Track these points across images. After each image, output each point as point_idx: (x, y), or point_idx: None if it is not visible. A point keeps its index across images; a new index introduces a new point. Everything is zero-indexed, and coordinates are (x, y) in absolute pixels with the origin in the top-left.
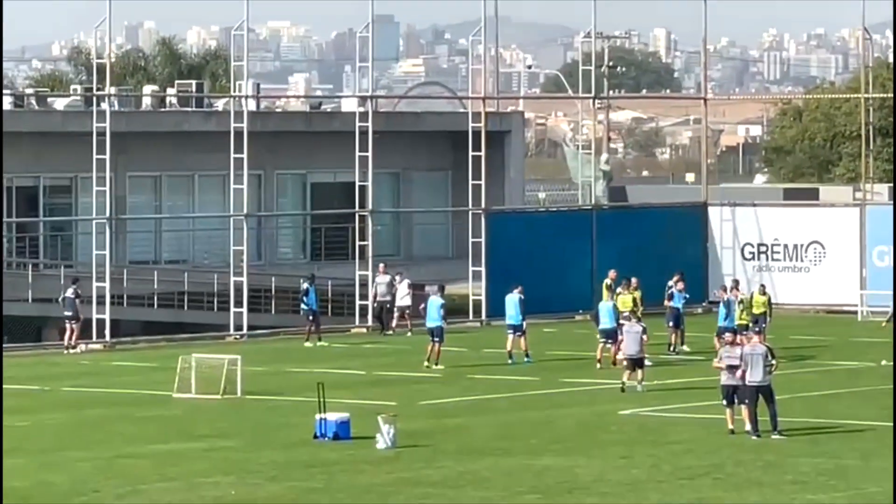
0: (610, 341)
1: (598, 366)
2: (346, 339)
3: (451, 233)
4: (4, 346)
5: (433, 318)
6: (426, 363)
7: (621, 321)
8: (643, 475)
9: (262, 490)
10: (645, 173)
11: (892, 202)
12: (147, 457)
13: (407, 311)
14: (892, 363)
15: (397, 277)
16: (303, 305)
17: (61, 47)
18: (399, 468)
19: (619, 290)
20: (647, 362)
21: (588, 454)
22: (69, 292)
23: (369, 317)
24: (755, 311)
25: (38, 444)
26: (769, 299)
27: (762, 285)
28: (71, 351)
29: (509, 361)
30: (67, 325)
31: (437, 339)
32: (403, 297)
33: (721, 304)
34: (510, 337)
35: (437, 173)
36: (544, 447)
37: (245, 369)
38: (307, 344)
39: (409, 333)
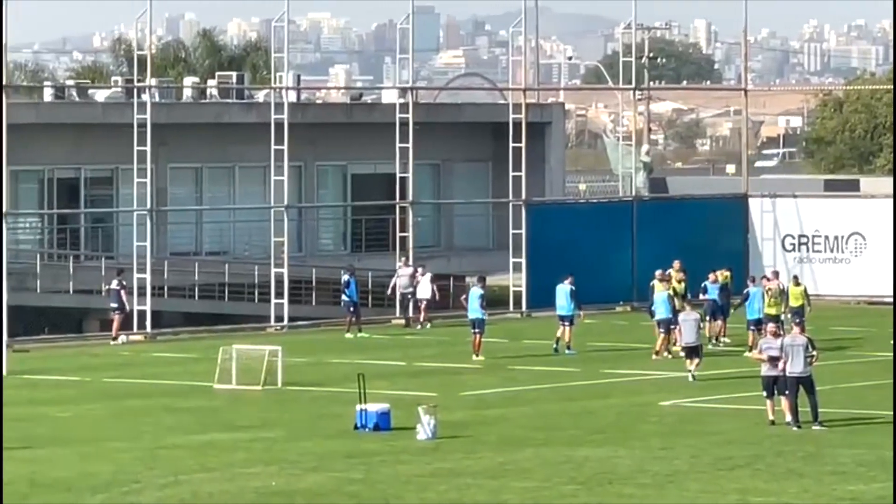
0: (663, 330)
1: (655, 357)
2: (386, 330)
3: (492, 224)
4: (46, 336)
5: (474, 309)
6: (474, 356)
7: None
8: (683, 466)
9: (303, 480)
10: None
11: None
12: (188, 447)
13: (423, 303)
14: None
15: (419, 270)
16: (343, 297)
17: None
18: (439, 459)
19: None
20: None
21: (628, 445)
22: (114, 283)
23: (398, 309)
24: (792, 303)
25: (79, 434)
26: (805, 289)
27: (794, 276)
28: (114, 342)
29: (554, 346)
30: (114, 316)
31: (477, 330)
32: (424, 290)
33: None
34: (560, 327)
35: (478, 164)
36: (584, 438)
37: (286, 360)
38: (348, 335)
39: (429, 325)
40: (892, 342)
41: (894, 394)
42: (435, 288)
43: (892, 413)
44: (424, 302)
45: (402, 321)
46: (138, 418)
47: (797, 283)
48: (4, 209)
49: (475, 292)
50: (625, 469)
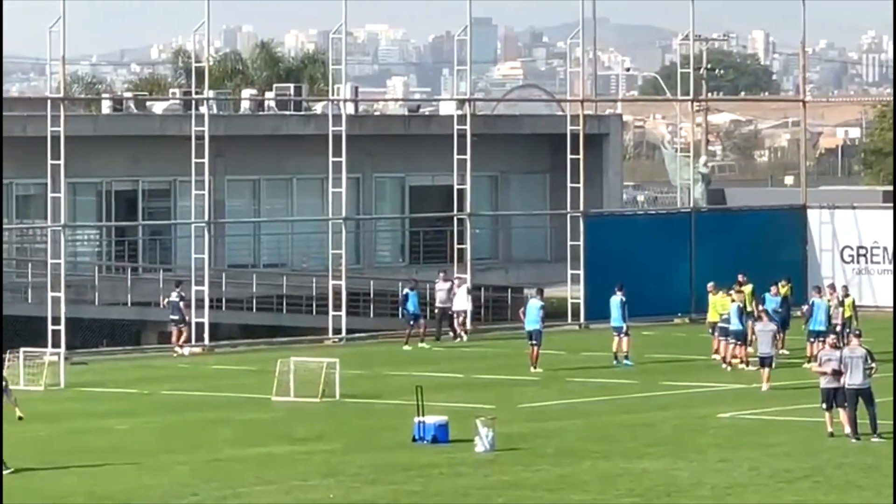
0: (739, 342)
1: (726, 366)
2: (443, 342)
3: (550, 236)
4: (104, 349)
5: (532, 320)
6: (532, 368)
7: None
8: (742, 478)
9: (361, 493)
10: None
11: None
12: (246, 460)
13: (460, 316)
14: None
15: (456, 281)
16: (403, 309)
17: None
18: (497, 471)
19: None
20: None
21: (686, 457)
22: (173, 296)
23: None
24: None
25: (137, 446)
26: (853, 301)
27: (844, 287)
28: (175, 354)
29: (614, 363)
30: (174, 329)
31: (535, 342)
32: (460, 302)
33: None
34: (615, 338)
35: (536, 176)
36: (642, 450)
37: (343, 372)
38: (406, 347)
39: (465, 338)
40: None
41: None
42: (471, 300)
43: None
44: (462, 315)
45: (466, 331)
46: (196, 431)
47: (846, 294)
48: (63, 221)
49: (534, 304)
50: (683, 482)
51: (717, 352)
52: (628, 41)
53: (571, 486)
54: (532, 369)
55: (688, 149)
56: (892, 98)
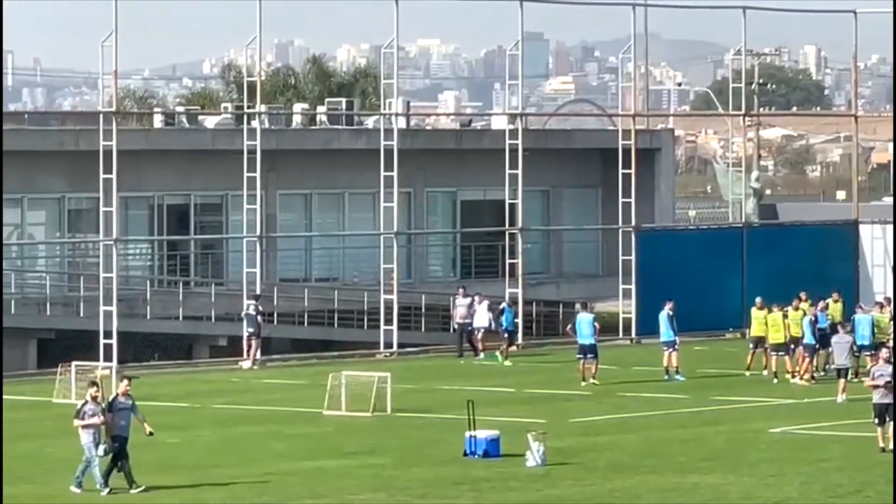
0: (809, 355)
1: (797, 380)
2: (495, 357)
3: (601, 250)
4: (156, 363)
5: (585, 335)
6: (583, 382)
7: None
8: (793, 493)
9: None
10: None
11: None
12: (297, 474)
13: (480, 332)
14: None
15: (476, 298)
16: (498, 324)
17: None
18: (548, 486)
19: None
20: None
21: (738, 472)
22: (250, 309)
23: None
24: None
25: (189, 460)
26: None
27: (886, 299)
28: (250, 367)
29: (665, 377)
30: (252, 342)
31: (590, 355)
32: (481, 319)
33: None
34: (666, 353)
35: (587, 191)
36: (694, 465)
37: (395, 387)
38: (507, 363)
39: (482, 356)
40: None
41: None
42: (492, 317)
43: None
44: (481, 331)
45: (518, 346)
46: (248, 445)
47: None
48: (115, 235)
49: (585, 318)
50: (735, 496)
51: (749, 367)
52: (680, 56)
53: (622, 500)
54: (582, 383)
55: (739, 164)
56: None
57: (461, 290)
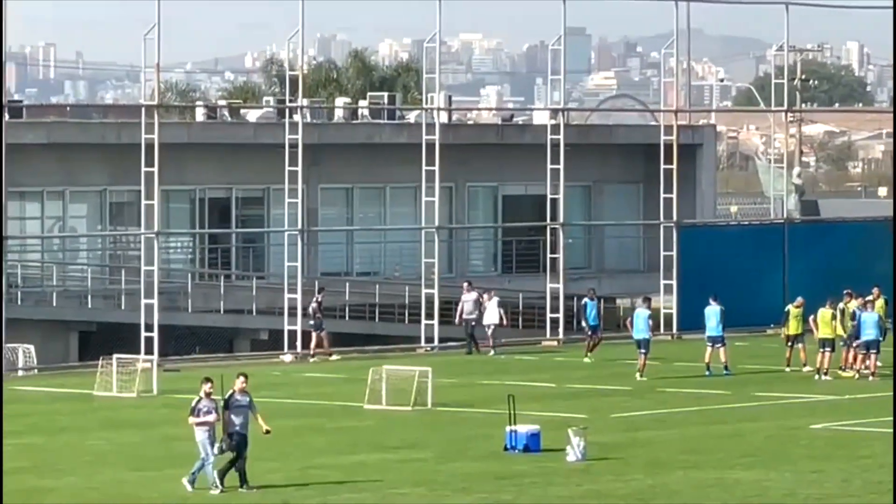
0: (873, 351)
1: (857, 376)
2: (536, 351)
3: (643, 246)
4: (197, 356)
5: (640, 329)
6: (638, 376)
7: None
8: (835, 490)
9: (452, 502)
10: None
11: None
12: (338, 467)
13: (491, 329)
14: None
15: (485, 296)
16: (584, 318)
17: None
18: (589, 480)
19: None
20: None
21: (779, 468)
22: (314, 303)
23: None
24: None
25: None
26: None
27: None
28: (312, 358)
29: (706, 373)
30: (314, 335)
31: (643, 350)
32: (491, 315)
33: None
34: (709, 348)
35: (629, 186)
36: (734, 461)
37: (436, 381)
38: (586, 360)
39: (493, 353)
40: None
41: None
42: (502, 312)
43: None
44: (492, 327)
45: (558, 341)
46: (288, 439)
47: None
48: (156, 228)
49: (641, 313)
50: (776, 492)
51: (788, 363)
52: (723, 52)
53: (663, 496)
54: (638, 377)
55: (781, 160)
56: None
57: (466, 286)
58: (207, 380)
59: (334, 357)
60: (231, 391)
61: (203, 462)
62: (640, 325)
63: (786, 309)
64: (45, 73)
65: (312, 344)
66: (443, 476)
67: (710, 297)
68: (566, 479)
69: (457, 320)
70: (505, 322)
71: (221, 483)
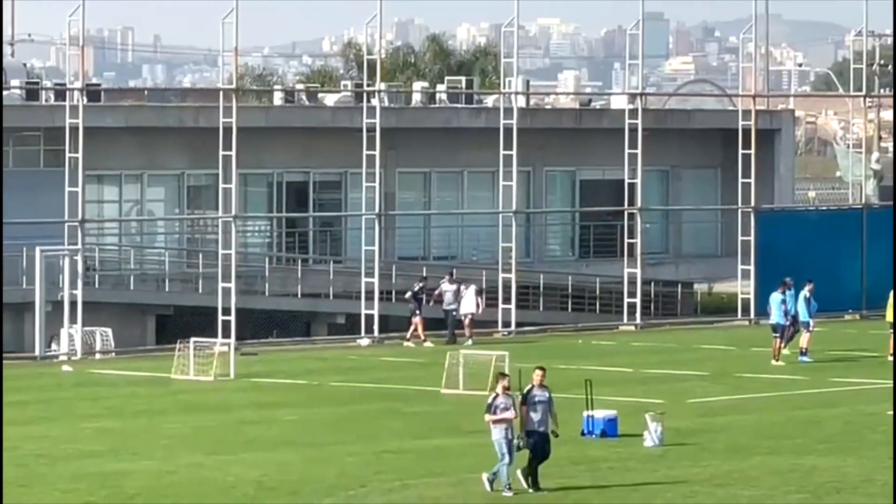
0: None
1: None
2: (613, 336)
3: (721, 231)
4: (274, 340)
5: (774, 314)
6: (773, 361)
7: None
8: None
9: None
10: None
11: None
12: (414, 452)
13: (468, 318)
14: None
15: (463, 285)
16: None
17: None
18: (666, 466)
19: None
20: None
21: (857, 454)
22: (416, 288)
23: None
24: None
25: (305, 437)
26: None
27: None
28: (410, 344)
29: (800, 358)
30: (416, 319)
31: (777, 334)
32: (468, 305)
33: None
34: (805, 333)
35: (707, 171)
36: (812, 447)
37: (512, 365)
38: (786, 351)
39: (470, 342)
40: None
41: (894, 398)
42: (479, 301)
43: None
44: (469, 317)
45: (636, 326)
46: (365, 422)
47: None
48: (234, 212)
49: (773, 298)
50: (853, 478)
51: (894, 353)
52: (801, 37)
53: (740, 481)
54: (773, 362)
55: (860, 145)
56: None
57: (448, 277)
58: (503, 375)
59: (428, 343)
60: (530, 385)
61: (503, 461)
62: (773, 310)
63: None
64: (123, 57)
65: (415, 330)
66: (519, 461)
67: (804, 283)
68: (643, 465)
69: (432, 303)
70: (482, 310)
71: (529, 484)
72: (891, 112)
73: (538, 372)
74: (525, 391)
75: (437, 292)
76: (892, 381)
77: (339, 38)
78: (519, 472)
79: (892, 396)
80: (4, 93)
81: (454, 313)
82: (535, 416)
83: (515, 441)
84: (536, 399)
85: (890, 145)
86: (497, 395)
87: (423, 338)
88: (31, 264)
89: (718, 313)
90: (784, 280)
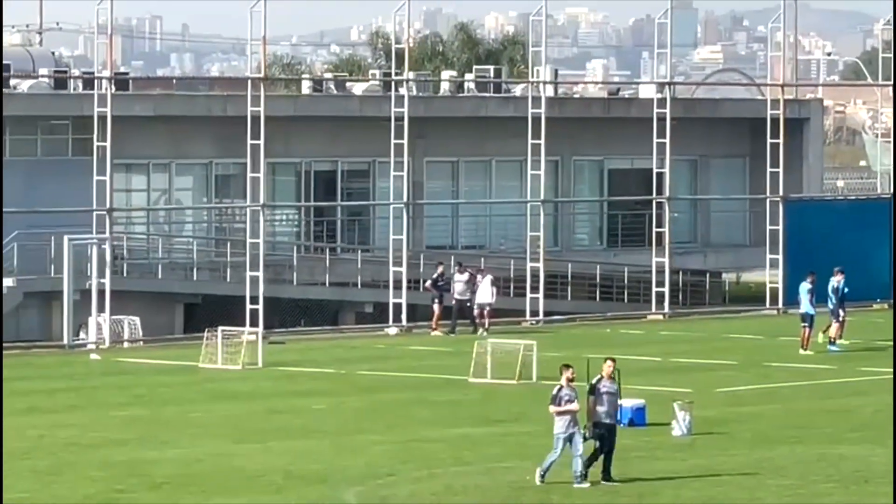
0: None
1: None
2: (641, 325)
3: (749, 220)
4: (302, 329)
5: (804, 303)
6: (802, 350)
7: None
8: None
9: (559, 475)
10: None
11: None
12: (442, 441)
13: (486, 308)
14: None
15: (479, 276)
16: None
17: (360, 32)
18: (694, 455)
19: None
20: None
21: (885, 444)
22: (435, 276)
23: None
24: None
25: (334, 426)
26: None
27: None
28: (438, 332)
29: (830, 347)
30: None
31: (805, 324)
32: (484, 295)
33: None
34: (834, 324)
35: (735, 160)
36: (840, 436)
37: (540, 354)
38: (802, 352)
39: (485, 332)
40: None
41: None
42: (495, 291)
43: None
44: (487, 307)
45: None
46: (393, 411)
47: None
48: (262, 201)
49: (802, 287)
50: (881, 468)
51: None
52: (829, 26)
53: (768, 471)
54: (801, 351)
55: (889, 134)
56: None
57: (458, 267)
58: (567, 366)
59: (436, 333)
60: (599, 376)
61: (555, 456)
62: (804, 300)
63: None
64: (151, 46)
65: (435, 318)
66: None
67: (836, 271)
68: (671, 454)
69: (427, 284)
70: (494, 300)
71: (585, 475)
72: None
73: (609, 363)
74: (593, 382)
75: (452, 289)
76: None
77: (367, 27)
78: (584, 462)
79: (893, 394)
80: (33, 81)
81: (468, 304)
82: (602, 409)
83: (582, 431)
84: (604, 390)
85: None
86: (561, 386)
87: (434, 327)
88: (60, 253)
89: (747, 302)
90: (811, 271)
